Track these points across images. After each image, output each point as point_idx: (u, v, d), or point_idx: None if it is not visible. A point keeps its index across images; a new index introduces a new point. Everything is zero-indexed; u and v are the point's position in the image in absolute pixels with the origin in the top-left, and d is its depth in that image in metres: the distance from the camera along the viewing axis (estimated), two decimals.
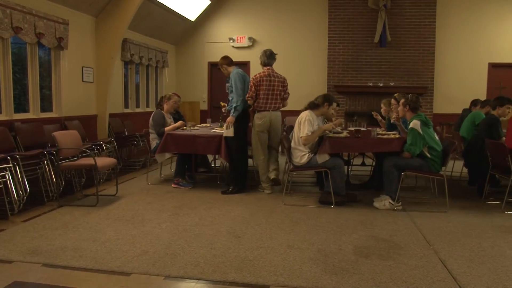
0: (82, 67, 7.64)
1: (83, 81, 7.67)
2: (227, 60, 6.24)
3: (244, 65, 10.44)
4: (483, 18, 10.39)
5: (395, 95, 6.32)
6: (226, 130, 5.90)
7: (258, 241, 4.01)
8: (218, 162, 7.66)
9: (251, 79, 6.13)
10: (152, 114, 6.52)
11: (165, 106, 6.63)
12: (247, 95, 5.99)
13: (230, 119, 5.88)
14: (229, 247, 3.84)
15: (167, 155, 6.25)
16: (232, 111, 5.89)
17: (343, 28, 10.37)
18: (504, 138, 5.69)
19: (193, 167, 6.78)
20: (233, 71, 6.05)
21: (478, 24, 10.41)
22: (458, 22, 10.46)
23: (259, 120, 5.99)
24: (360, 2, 10.29)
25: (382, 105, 6.68)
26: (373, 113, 6.91)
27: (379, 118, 6.90)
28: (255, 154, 6.16)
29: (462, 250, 3.88)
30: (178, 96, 7.06)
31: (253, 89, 5.92)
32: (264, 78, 5.95)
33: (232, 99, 5.99)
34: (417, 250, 3.88)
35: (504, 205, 5.33)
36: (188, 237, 4.09)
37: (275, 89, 6.00)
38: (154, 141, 6.45)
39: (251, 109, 6.16)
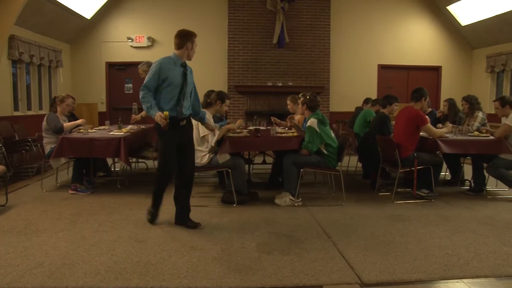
0: None
1: None
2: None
3: None
4: (373, 22, 11.14)
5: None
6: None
7: (161, 244, 3.96)
8: (118, 165, 7.43)
9: None
10: (46, 117, 6.18)
11: (59, 109, 6.30)
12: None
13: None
14: (131, 252, 3.74)
15: (63, 160, 5.92)
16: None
17: (243, 29, 10.53)
18: (393, 134, 6.13)
19: (92, 172, 6.51)
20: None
21: (368, 28, 11.14)
22: (350, 26, 11.10)
23: None
24: (258, 4, 10.51)
25: (288, 101, 6.92)
26: (272, 118, 7.22)
27: (278, 121, 7.14)
28: None
29: (357, 240, 4.14)
30: (73, 98, 6.75)
31: None
32: None
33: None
34: (317, 243, 4.05)
35: (393, 196, 5.74)
36: (88, 245, 3.92)
37: None
38: (48, 145, 6.11)
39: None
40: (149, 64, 6.71)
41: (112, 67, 10.91)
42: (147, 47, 10.75)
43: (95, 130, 6.61)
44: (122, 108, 10.56)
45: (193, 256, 3.67)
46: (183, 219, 4.57)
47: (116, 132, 6.17)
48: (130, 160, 6.75)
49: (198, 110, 4.80)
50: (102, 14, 10.63)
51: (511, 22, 9.48)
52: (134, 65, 7.15)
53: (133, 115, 6.89)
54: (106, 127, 7.17)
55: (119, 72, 10.95)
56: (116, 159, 6.90)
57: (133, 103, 7.02)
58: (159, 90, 4.30)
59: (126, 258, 3.61)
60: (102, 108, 10.94)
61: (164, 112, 4.10)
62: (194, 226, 4.49)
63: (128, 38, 10.69)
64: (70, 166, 6.86)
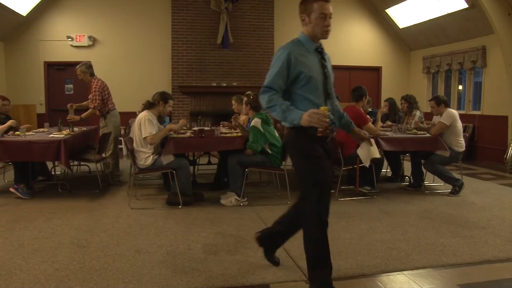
0: None
1: None
2: None
3: None
4: None
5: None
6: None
7: (105, 249, 3.87)
8: (58, 169, 7.18)
9: (95, 88, 6.49)
10: None
11: None
12: (95, 104, 6.44)
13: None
14: (73, 259, 3.63)
15: None
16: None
17: (187, 29, 10.44)
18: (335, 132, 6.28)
19: (30, 176, 6.24)
20: None
21: None
22: (293, 27, 11.09)
23: (116, 117, 6.79)
24: (203, 4, 10.44)
25: (233, 101, 6.93)
26: (222, 122, 7.25)
27: (227, 124, 7.17)
28: (112, 149, 6.76)
29: (303, 238, 4.19)
30: (6, 100, 6.45)
31: (99, 97, 6.48)
32: (105, 84, 6.66)
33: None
34: None
35: (337, 193, 5.88)
36: (26, 253, 3.75)
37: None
38: None
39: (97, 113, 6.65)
40: (88, 65, 6.56)
41: (51, 67, 10.48)
42: (88, 46, 10.43)
43: (33, 133, 6.34)
44: (63, 110, 10.17)
45: (138, 260, 3.61)
46: (271, 242, 3.43)
47: (56, 135, 5.95)
48: (71, 163, 6.54)
49: (341, 112, 3.35)
50: (39, 11, 10.18)
51: (444, 26, 9.96)
52: (74, 65, 6.91)
53: (70, 115, 6.62)
54: (45, 129, 6.90)
55: (58, 72, 10.55)
56: (56, 163, 6.66)
57: (68, 105, 6.76)
58: (291, 90, 2.90)
59: (67, 265, 3.49)
60: (41, 109, 10.51)
61: (321, 108, 2.67)
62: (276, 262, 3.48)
63: (68, 37, 10.32)
64: (7, 171, 6.58)
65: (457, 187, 6.03)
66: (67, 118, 6.51)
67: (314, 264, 2.94)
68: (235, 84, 10.58)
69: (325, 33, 2.93)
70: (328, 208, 2.94)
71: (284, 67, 2.82)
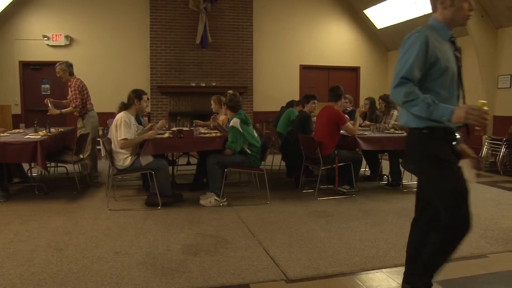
0: None
1: None
2: None
3: None
4: (294, 23, 11.41)
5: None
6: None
7: (83, 251, 3.82)
8: (35, 170, 7.07)
9: (75, 87, 6.40)
10: None
11: None
12: (76, 103, 6.36)
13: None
14: (50, 262, 3.57)
15: None
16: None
17: (165, 29, 10.39)
18: (314, 132, 6.32)
19: (6, 178, 6.12)
20: None
21: (290, 29, 11.40)
22: (272, 27, 11.29)
23: (94, 118, 6.69)
24: (181, 4, 10.41)
25: (212, 102, 6.92)
26: (194, 121, 7.24)
27: (201, 122, 7.15)
28: (90, 150, 6.64)
29: (282, 237, 4.21)
30: None
31: (79, 95, 6.40)
32: (84, 83, 6.56)
33: None
34: (242, 242, 4.09)
35: (316, 193, 5.92)
36: (1, 257, 3.68)
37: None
38: None
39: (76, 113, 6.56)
40: (68, 64, 6.47)
41: (27, 66, 10.30)
42: (65, 46, 10.28)
43: (7, 134, 6.22)
44: (39, 110, 10.02)
45: (117, 262, 3.58)
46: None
47: (32, 136, 5.86)
48: (48, 165, 6.44)
49: None
50: (14, 9, 9.99)
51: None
52: (51, 64, 6.83)
53: (49, 108, 6.53)
54: (21, 130, 6.79)
55: (34, 72, 10.37)
56: (32, 164, 6.56)
57: (46, 99, 6.65)
58: (421, 81, 2.49)
59: (44, 268, 3.44)
60: (17, 110, 10.32)
61: (478, 103, 2.27)
62: None
63: (44, 36, 10.16)
64: None
65: None
66: (48, 112, 6.42)
67: (429, 269, 2.75)
68: (214, 84, 10.58)
69: (467, 18, 2.62)
70: (470, 217, 2.62)
71: (422, 53, 2.41)
